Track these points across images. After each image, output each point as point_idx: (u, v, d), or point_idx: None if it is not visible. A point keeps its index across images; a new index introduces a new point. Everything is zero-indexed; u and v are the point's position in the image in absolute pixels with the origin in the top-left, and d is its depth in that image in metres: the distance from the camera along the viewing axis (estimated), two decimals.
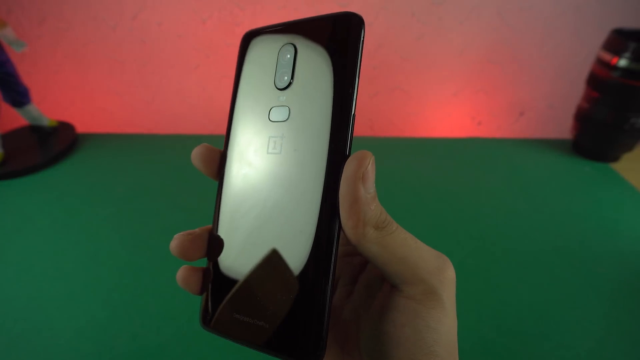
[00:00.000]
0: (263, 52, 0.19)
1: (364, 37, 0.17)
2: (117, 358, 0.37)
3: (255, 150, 0.18)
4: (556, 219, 0.55)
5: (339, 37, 0.17)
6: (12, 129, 0.70)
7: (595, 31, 0.75)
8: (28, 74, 0.70)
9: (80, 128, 0.73)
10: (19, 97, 0.64)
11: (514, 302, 0.43)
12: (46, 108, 0.73)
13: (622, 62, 0.60)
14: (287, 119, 0.18)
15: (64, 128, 0.71)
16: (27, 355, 0.37)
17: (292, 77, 0.18)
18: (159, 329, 0.39)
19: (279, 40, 0.19)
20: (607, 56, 0.62)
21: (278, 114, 0.18)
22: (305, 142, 0.17)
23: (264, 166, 0.18)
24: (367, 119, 0.85)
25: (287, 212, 0.17)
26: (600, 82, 0.63)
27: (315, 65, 0.18)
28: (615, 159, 0.69)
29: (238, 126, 0.19)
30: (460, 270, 0.47)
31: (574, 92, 0.80)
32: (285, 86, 0.18)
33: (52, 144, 0.66)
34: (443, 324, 0.17)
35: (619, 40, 0.60)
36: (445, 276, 0.18)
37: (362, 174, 0.15)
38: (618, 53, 0.60)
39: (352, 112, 0.17)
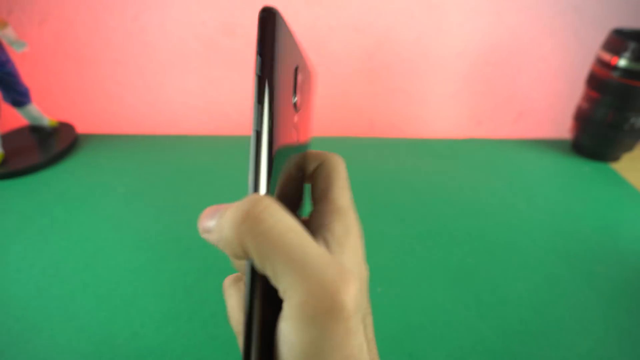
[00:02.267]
0: (285, 59, 0.16)
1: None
2: (117, 358, 0.37)
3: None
4: (556, 219, 0.55)
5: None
6: (12, 129, 0.70)
7: (595, 31, 0.75)
8: (29, 74, 0.70)
9: (80, 128, 0.73)
10: (19, 97, 0.64)
11: (514, 302, 0.43)
12: (46, 108, 0.73)
13: (622, 62, 0.60)
14: (296, 141, 0.18)
15: (64, 128, 0.71)
16: (27, 354, 0.37)
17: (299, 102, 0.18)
18: (159, 329, 0.39)
19: (295, 56, 0.17)
20: (606, 56, 0.62)
21: (294, 135, 0.18)
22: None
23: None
24: (367, 119, 0.85)
25: None
26: (600, 82, 0.64)
27: (306, 97, 0.19)
28: (615, 159, 0.69)
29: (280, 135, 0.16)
30: (461, 270, 0.47)
31: (573, 92, 0.80)
32: (298, 109, 0.18)
33: (52, 144, 0.66)
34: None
35: (619, 40, 0.60)
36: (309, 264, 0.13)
37: None
38: (618, 53, 0.60)
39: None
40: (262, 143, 0.14)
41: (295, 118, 0.18)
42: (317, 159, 0.21)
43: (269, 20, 0.14)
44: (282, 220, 0.13)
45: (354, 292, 0.13)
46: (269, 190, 0.15)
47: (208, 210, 0.16)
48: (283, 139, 0.16)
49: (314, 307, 0.12)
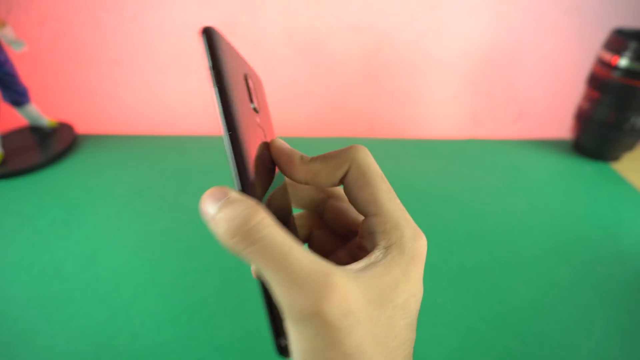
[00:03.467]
0: (234, 68, 0.18)
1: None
2: (117, 358, 0.37)
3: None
4: (556, 219, 0.55)
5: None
6: (12, 129, 0.70)
7: (595, 31, 0.75)
8: (28, 74, 0.70)
9: (79, 128, 0.73)
10: (18, 96, 0.64)
11: (514, 302, 0.43)
12: (46, 108, 0.73)
13: (623, 62, 0.60)
14: (264, 140, 0.20)
15: (64, 128, 0.71)
16: (27, 354, 0.37)
17: (257, 105, 0.20)
18: (159, 329, 0.39)
19: (241, 65, 0.20)
20: (607, 56, 0.62)
21: (262, 135, 0.20)
22: None
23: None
24: (367, 120, 0.85)
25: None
26: (600, 82, 0.63)
27: (261, 100, 0.21)
28: (615, 158, 0.69)
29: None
30: (461, 270, 0.47)
31: (574, 92, 0.80)
32: (258, 111, 0.20)
33: (52, 144, 0.66)
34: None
35: (620, 40, 0.60)
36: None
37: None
38: (618, 53, 0.60)
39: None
40: (239, 145, 0.16)
41: (258, 119, 0.19)
42: (343, 163, 0.19)
43: (212, 37, 0.16)
44: (269, 236, 0.14)
45: (337, 301, 0.14)
46: (253, 192, 0.16)
47: (211, 192, 0.16)
48: (254, 139, 0.18)
49: (299, 312, 0.14)
